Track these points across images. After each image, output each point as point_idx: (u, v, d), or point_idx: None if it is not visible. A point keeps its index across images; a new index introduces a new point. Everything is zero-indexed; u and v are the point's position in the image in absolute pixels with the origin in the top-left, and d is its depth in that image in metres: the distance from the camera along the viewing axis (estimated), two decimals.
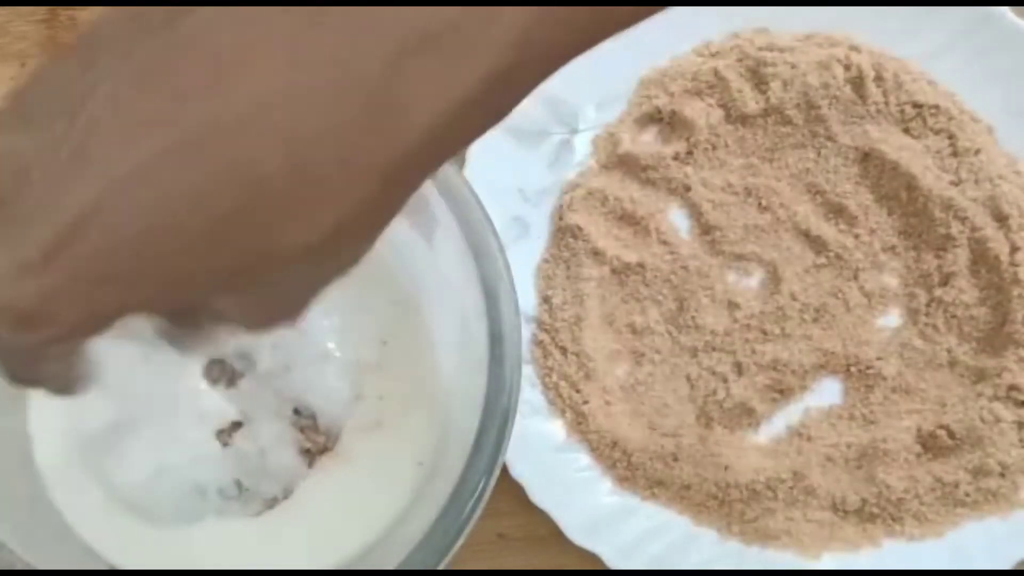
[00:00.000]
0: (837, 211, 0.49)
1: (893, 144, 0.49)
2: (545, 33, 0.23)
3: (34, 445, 0.39)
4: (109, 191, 0.22)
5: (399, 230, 0.39)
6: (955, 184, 0.48)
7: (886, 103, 0.49)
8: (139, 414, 0.36)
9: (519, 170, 0.48)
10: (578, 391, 0.45)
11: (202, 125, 0.22)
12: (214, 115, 0.22)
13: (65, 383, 0.28)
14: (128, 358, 0.31)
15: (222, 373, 0.39)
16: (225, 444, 0.38)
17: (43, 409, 0.39)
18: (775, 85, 0.49)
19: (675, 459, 0.45)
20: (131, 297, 0.24)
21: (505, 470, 0.43)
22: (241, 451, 0.38)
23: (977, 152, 0.49)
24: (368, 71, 0.22)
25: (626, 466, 0.45)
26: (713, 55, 0.51)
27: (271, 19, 0.22)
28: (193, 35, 0.23)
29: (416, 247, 0.39)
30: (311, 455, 0.39)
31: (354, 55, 0.22)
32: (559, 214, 0.48)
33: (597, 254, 0.48)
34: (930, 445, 0.45)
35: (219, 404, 0.39)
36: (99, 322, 0.24)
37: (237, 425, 0.39)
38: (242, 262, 0.23)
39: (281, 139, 0.22)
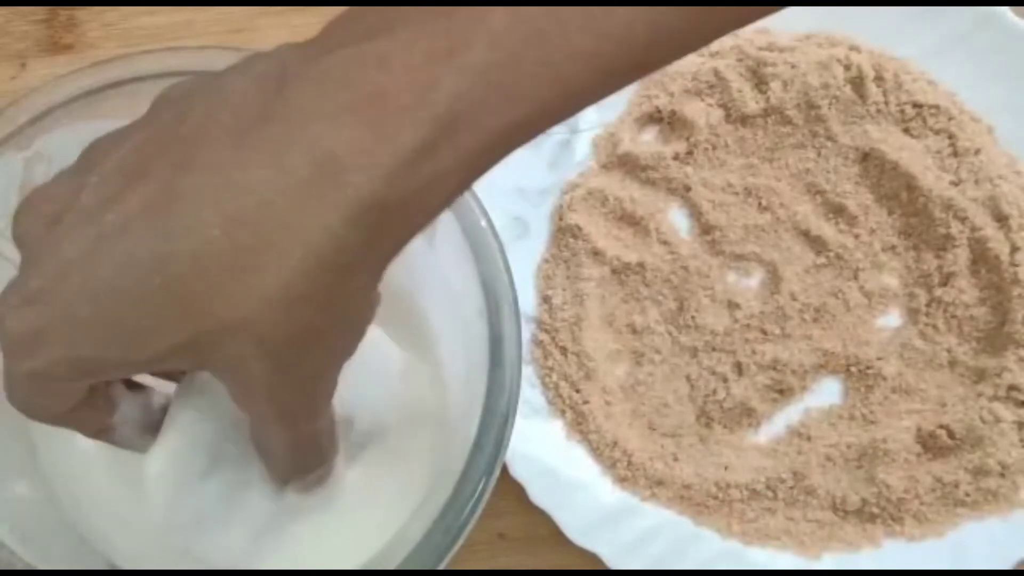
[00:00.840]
0: (837, 211, 0.49)
1: (893, 144, 0.49)
2: (476, 98, 0.24)
3: (38, 445, 0.39)
4: (95, 243, 0.25)
5: None
6: (955, 184, 0.48)
7: (886, 103, 0.49)
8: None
9: (519, 170, 0.48)
10: (578, 391, 0.45)
11: (167, 198, 0.25)
12: (174, 192, 0.25)
13: (97, 430, 0.32)
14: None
15: None
16: None
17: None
18: (775, 85, 0.49)
19: (675, 459, 0.45)
20: (106, 346, 0.26)
21: (505, 470, 0.43)
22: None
23: (977, 152, 0.49)
24: (299, 162, 0.24)
25: (626, 466, 0.45)
26: (713, 55, 0.51)
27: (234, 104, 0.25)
28: (176, 121, 0.26)
29: (416, 247, 0.39)
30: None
31: (290, 147, 0.24)
32: (559, 214, 0.48)
33: (597, 254, 0.48)
34: (930, 445, 0.45)
35: None
36: (79, 366, 0.27)
37: None
38: (199, 323, 0.25)
39: (222, 211, 0.24)
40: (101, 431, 0.32)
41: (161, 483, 0.32)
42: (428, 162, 0.24)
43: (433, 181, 0.24)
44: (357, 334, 0.28)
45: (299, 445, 0.31)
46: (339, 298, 0.25)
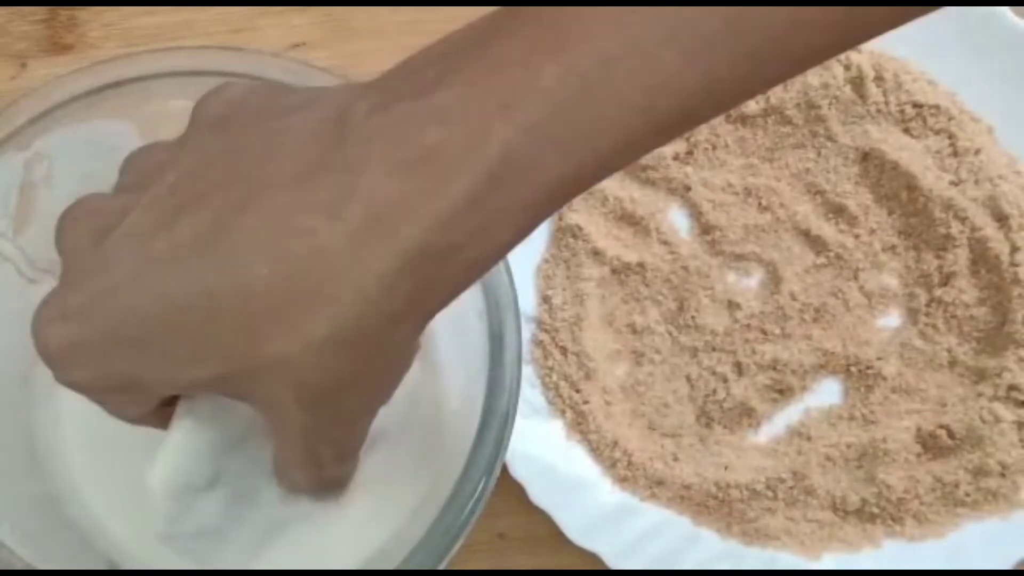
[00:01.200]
0: (837, 211, 0.49)
1: (893, 144, 0.49)
2: (527, 151, 0.24)
3: (40, 443, 0.39)
4: (144, 266, 0.26)
5: None
6: (955, 184, 0.48)
7: (886, 103, 0.49)
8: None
9: None
10: (578, 391, 0.45)
11: (221, 233, 0.25)
12: (229, 228, 0.25)
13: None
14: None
15: None
16: None
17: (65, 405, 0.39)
18: None
19: (675, 459, 0.45)
20: (144, 368, 0.27)
21: (505, 470, 0.43)
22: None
23: (977, 152, 0.49)
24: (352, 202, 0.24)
25: (626, 466, 0.45)
26: None
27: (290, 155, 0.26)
28: (234, 151, 0.27)
29: None
30: None
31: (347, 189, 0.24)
32: (559, 214, 0.48)
33: (597, 254, 0.48)
34: (930, 445, 0.45)
35: None
36: (118, 381, 0.28)
37: None
38: (240, 359, 0.26)
39: (274, 253, 0.25)
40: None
41: (161, 493, 0.32)
42: (479, 212, 0.24)
43: (484, 230, 0.25)
44: (395, 382, 0.28)
45: (322, 483, 0.32)
46: (384, 346, 0.26)
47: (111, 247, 0.27)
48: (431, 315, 0.26)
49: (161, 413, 0.31)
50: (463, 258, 0.25)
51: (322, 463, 0.30)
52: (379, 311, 0.25)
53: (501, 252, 0.26)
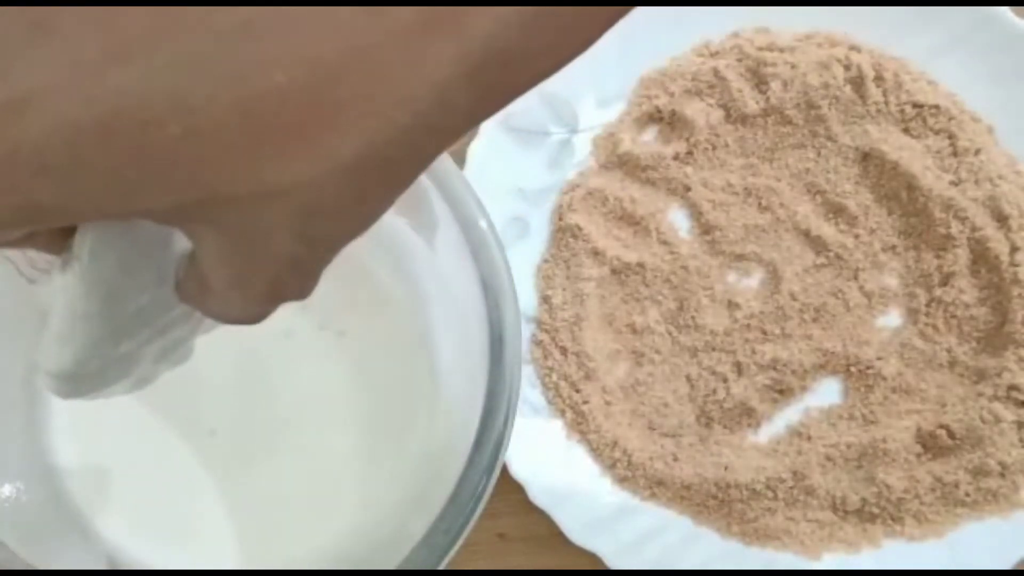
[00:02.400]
0: (837, 211, 0.49)
1: (893, 144, 0.49)
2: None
3: (52, 446, 0.39)
4: (74, 71, 0.19)
5: (399, 230, 0.39)
6: (955, 184, 0.48)
7: (886, 103, 0.49)
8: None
9: (519, 170, 0.48)
10: (578, 391, 0.46)
11: (202, 30, 0.19)
12: (218, 26, 0.19)
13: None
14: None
15: None
16: None
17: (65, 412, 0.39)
18: (775, 85, 0.49)
19: (675, 459, 0.45)
20: (73, 198, 0.20)
21: (505, 470, 0.43)
22: None
23: (977, 152, 0.49)
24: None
25: (626, 466, 0.45)
26: (713, 55, 0.51)
27: None
28: None
29: (416, 247, 0.39)
30: None
31: None
32: (559, 214, 0.48)
33: (597, 254, 0.48)
34: (930, 445, 0.45)
35: None
36: (28, 215, 0.21)
37: None
38: (224, 185, 0.20)
39: (296, 53, 0.19)
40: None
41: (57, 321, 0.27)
42: (564, 13, 0.20)
43: (561, 34, 0.20)
44: (387, 208, 0.23)
45: (256, 317, 0.25)
46: (414, 167, 0.21)
47: (41, 44, 0.19)
48: (468, 130, 0.22)
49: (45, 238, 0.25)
50: (534, 66, 0.21)
51: (278, 298, 0.24)
52: (428, 127, 0.20)
53: (564, 63, 0.21)
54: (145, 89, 0.19)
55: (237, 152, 0.20)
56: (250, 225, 0.21)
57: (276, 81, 0.19)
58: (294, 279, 0.23)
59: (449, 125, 0.21)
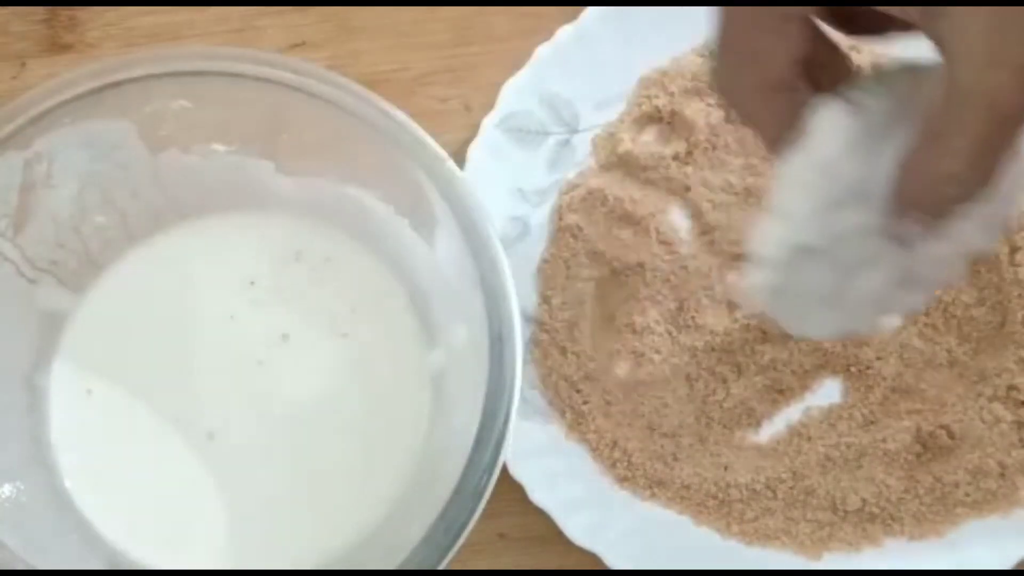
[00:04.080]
0: None
1: None
2: None
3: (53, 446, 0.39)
4: None
5: (399, 230, 0.39)
6: None
7: None
8: None
9: (519, 170, 0.48)
10: (578, 391, 0.46)
11: None
12: None
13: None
14: None
15: None
16: None
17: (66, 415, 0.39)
18: None
19: (675, 459, 0.45)
20: None
21: (505, 470, 0.43)
22: None
23: None
24: None
25: (626, 466, 0.45)
26: (714, 55, 0.51)
27: None
28: None
29: (416, 247, 0.39)
30: None
31: None
32: (559, 214, 0.48)
33: (597, 254, 0.48)
34: (930, 445, 0.45)
35: None
36: None
37: None
38: None
39: None
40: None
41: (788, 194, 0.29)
42: None
43: None
44: None
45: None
46: None
47: None
48: None
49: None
50: None
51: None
52: None
53: None
54: None
55: None
56: None
57: None
58: None
59: None
